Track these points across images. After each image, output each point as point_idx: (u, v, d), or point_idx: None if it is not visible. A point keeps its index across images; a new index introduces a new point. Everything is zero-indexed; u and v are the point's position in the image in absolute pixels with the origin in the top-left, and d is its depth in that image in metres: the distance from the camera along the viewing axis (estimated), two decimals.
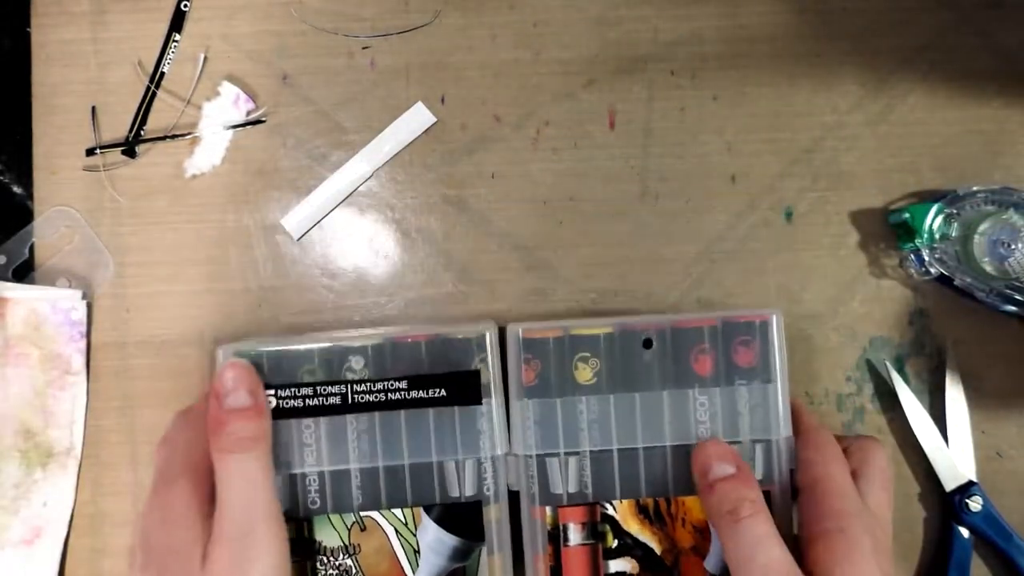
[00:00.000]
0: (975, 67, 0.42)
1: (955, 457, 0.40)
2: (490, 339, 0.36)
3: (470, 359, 0.36)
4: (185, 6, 0.42)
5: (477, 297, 0.41)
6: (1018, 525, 0.40)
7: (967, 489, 0.40)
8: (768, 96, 0.42)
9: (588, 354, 0.36)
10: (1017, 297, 0.39)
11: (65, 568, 0.40)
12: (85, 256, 0.41)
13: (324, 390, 0.35)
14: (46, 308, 0.40)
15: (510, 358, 0.36)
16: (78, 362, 0.41)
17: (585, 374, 0.36)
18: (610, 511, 0.36)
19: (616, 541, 0.36)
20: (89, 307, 0.41)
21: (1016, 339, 0.41)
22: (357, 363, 0.35)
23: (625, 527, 0.36)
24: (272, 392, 0.35)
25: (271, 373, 0.35)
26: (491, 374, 0.36)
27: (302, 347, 0.35)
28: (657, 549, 0.36)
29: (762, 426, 0.36)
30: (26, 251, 0.41)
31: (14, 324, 0.40)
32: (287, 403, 0.35)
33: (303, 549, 0.35)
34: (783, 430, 0.36)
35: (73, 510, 0.40)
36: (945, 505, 0.41)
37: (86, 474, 0.41)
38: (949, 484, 0.40)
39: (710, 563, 0.36)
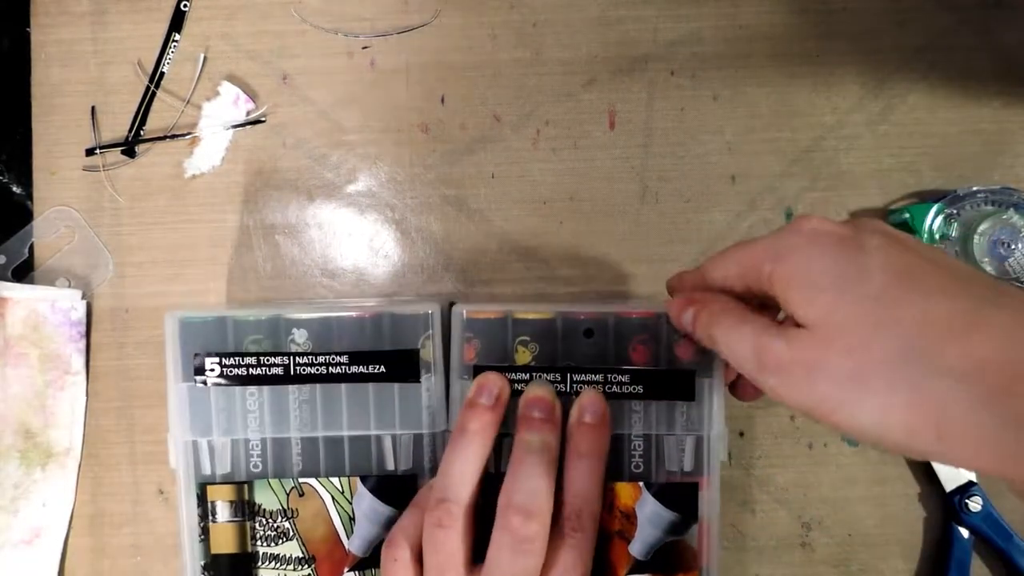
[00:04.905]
0: (975, 67, 0.42)
1: None
2: (434, 318, 0.37)
3: (415, 337, 0.36)
4: (185, 6, 0.42)
5: (477, 297, 0.41)
6: (1018, 525, 0.40)
7: (967, 489, 0.40)
8: (768, 96, 0.42)
9: (528, 338, 0.36)
10: None
11: (65, 568, 0.40)
12: (85, 256, 0.41)
13: (267, 360, 0.36)
14: (46, 308, 0.40)
15: (453, 337, 0.37)
16: (78, 362, 0.41)
17: (524, 357, 0.36)
18: None
19: None
20: (89, 307, 0.41)
21: None
22: (300, 336, 0.36)
23: None
24: (216, 360, 0.36)
25: (217, 340, 0.36)
26: (433, 352, 0.36)
27: (249, 318, 0.36)
28: None
29: (696, 419, 0.36)
30: (26, 251, 0.41)
31: (14, 324, 0.40)
32: (231, 371, 0.36)
33: (243, 510, 0.37)
34: (715, 425, 0.36)
35: (73, 510, 0.40)
36: (945, 505, 0.40)
37: (86, 474, 0.41)
38: (949, 484, 0.40)
39: (635, 548, 0.36)
